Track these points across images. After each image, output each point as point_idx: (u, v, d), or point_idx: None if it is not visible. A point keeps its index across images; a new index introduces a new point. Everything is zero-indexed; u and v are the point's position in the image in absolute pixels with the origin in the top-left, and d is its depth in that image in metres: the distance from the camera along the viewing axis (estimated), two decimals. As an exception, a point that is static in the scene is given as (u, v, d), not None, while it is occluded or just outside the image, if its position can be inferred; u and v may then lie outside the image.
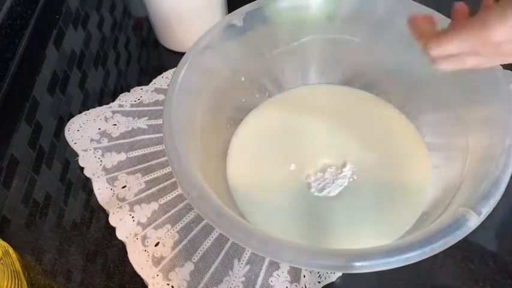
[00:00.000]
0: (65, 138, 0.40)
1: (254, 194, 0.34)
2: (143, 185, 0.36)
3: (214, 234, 0.33)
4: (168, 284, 0.31)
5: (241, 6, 0.33)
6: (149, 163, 0.37)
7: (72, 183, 0.37)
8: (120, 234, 0.33)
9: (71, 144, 0.39)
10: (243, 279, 0.31)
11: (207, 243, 0.33)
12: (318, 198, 0.33)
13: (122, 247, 0.33)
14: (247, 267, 0.31)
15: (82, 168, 0.37)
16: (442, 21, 0.31)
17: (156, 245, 0.33)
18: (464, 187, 0.27)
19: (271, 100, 0.40)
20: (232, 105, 0.37)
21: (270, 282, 0.31)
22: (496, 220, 0.33)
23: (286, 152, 0.36)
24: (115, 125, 0.40)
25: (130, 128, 0.40)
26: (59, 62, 0.46)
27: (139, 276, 0.31)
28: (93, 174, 0.37)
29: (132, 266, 0.32)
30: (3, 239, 0.32)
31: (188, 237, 0.33)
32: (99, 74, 0.45)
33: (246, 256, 0.32)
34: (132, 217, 0.34)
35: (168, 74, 0.44)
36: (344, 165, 0.34)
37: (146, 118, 0.40)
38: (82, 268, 0.32)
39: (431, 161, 0.34)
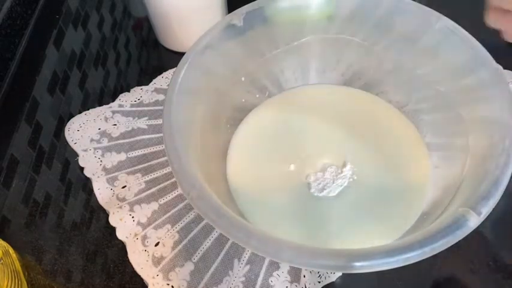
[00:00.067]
0: (65, 138, 0.40)
1: (254, 194, 0.34)
2: (143, 185, 0.36)
3: (214, 234, 0.33)
4: (168, 284, 0.31)
5: (241, 6, 0.33)
6: (149, 163, 0.37)
7: (72, 183, 0.37)
8: (120, 234, 0.33)
9: (71, 144, 0.39)
10: (243, 279, 0.31)
11: (207, 243, 0.33)
12: (318, 198, 0.33)
13: (122, 247, 0.33)
14: (247, 267, 0.31)
15: (82, 168, 0.37)
16: (439, 19, 0.31)
17: (156, 245, 0.33)
18: (464, 187, 0.27)
19: (271, 100, 0.40)
20: (232, 105, 0.37)
21: (270, 282, 0.31)
22: (496, 220, 0.33)
23: (286, 152, 0.36)
24: (115, 125, 0.40)
25: (130, 128, 0.40)
26: (59, 62, 0.46)
27: (140, 276, 0.31)
28: (93, 174, 0.37)
29: (132, 266, 0.32)
30: (3, 239, 0.32)
31: (188, 237, 0.33)
32: (99, 74, 0.45)
33: (246, 256, 0.32)
34: (132, 217, 0.34)
35: (168, 74, 0.44)
36: (344, 165, 0.34)
37: (146, 118, 0.40)
38: (82, 268, 0.32)
39: (431, 161, 0.34)
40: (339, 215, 0.32)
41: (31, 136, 0.40)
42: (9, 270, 0.29)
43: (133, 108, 0.41)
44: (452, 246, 0.22)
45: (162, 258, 0.32)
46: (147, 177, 0.36)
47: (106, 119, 0.40)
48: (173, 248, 0.32)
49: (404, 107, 0.37)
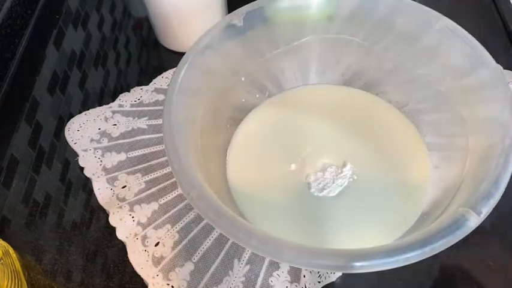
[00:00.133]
0: (65, 138, 0.40)
1: (254, 194, 0.34)
2: (143, 185, 0.36)
3: (214, 234, 0.33)
4: (168, 284, 0.31)
5: (241, 6, 0.33)
6: (149, 163, 0.37)
7: (72, 183, 0.37)
8: (120, 234, 0.33)
9: (71, 144, 0.39)
10: (243, 279, 0.31)
11: (207, 243, 0.33)
12: (318, 198, 0.33)
13: (122, 247, 0.33)
14: (247, 267, 0.31)
15: (82, 168, 0.37)
16: (439, 19, 0.31)
17: (156, 245, 0.33)
18: (464, 187, 0.27)
19: (271, 100, 0.40)
20: (232, 105, 0.37)
21: (270, 282, 0.31)
22: (496, 220, 0.33)
23: (286, 151, 0.36)
24: (115, 125, 0.40)
25: (130, 128, 0.40)
26: (59, 62, 0.46)
27: (140, 276, 0.31)
28: (93, 174, 0.37)
29: (132, 266, 0.32)
30: (3, 239, 0.32)
31: (188, 237, 0.33)
32: (99, 74, 0.45)
33: (246, 256, 0.32)
34: (132, 217, 0.34)
35: (168, 74, 0.44)
36: (344, 165, 0.34)
37: (146, 118, 0.40)
38: (82, 268, 0.32)
39: (431, 161, 0.34)
40: (338, 215, 0.32)
41: (31, 136, 0.40)
42: (9, 270, 0.29)
43: (133, 108, 0.41)
44: (452, 246, 0.22)
45: (162, 258, 0.32)
46: (147, 177, 0.36)
47: (106, 119, 0.40)
48: (173, 248, 0.32)
49: (404, 107, 0.37)
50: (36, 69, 0.45)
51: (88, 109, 0.42)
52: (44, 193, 0.37)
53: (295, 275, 0.31)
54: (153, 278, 0.31)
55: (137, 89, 0.43)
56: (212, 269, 0.31)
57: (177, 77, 0.29)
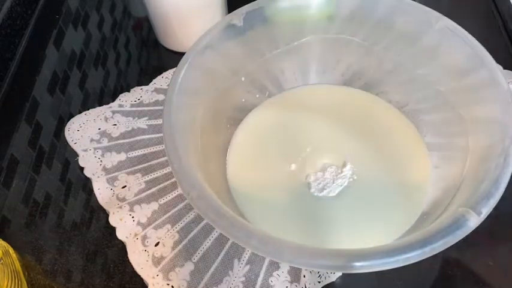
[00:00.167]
0: (65, 138, 0.40)
1: (254, 194, 0.34)
2: (143, 185, 0.36)
3: (214, 234, 0.33)
4: (168, 284, 0.31)
5: (241, 6, 0.33)
6: (149, 163, 0.37)
7: (72, 183, 0.37)
8: (120, 234, 0.33)
9: (71, 144, 0.39)
10: (243, 279, 0.31)
11: (207, 243, 0.33)
12: (318, 198, 0.33)
13: (122, 247, 0.33)
14: (247, 267, 0.31)
15: (82, 168, 0.37)
16: (439, 19, 0.31)
17: (156, 245, 0.33)
18: (464, 187, 0.27)
19: (271, 100, 0.40)
20: (232, 105, 0.37)
21: (270, 282, 0.31)
22: (496, 220, 0.33)
23: (286, 152, 0.36)
24: (115, 125, 0.40)
25: (130, 128, 0.40)
26: (59, 62, 0.46)
27: (140, 276, 0.31)
28: (93, 174, 0.37)
29: (132, 266, 0.32)
30: (3, 239, 0.32)
31: (188, 237, 0.33)
32: (99, 74, 0.45)
33: (246, 256, 0.32)
34: (132, 217, 0.34)
35: (168, 74, 0.44)
36: (344, 165, 0.34)
37: (146, 118, 0.40)
38: (82, 268, 0.32)
39: (431, 161, 0.34)
40: (338, 215, 0.32)
41: (31, 136, 0.40)
42: (9, 270, 0.29)
43: (133, 108, 0.41)
44: (452, 246, 0.22)
45: (162, 258, 0.32)
46: (147, 177, 0.36)
47: (106, 119, 0.41)
48: (173, 248, 0.32)
49: (404, 107, 0.37)
50: (36, 69, 0.45)
51: (88, 109, 0.42)
52: (44, 193, 0.37)
53: (295, 275, 0.31)
54: (153, 278, 0.31)
55: (137, 89, 0.43)
56: (212, 269, 0.31)
57: (177, 77, 0.29)
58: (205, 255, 0.32)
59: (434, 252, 0.22)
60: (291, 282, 0.31)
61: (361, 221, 0.32)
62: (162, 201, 0.35)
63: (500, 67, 0.29)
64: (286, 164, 0.35)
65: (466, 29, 0.30)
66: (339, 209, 0.33)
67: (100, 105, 0.42)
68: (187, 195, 0.25)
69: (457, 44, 0.30)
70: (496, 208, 0.23)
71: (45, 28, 0.49)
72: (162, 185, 0.36)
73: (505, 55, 0.43)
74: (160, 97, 0.42)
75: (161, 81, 0.43)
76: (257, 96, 0.39)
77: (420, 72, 0.34)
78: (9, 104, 0.43)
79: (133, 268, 0.32)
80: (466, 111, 0.30)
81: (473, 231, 0.23)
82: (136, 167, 0.37)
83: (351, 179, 0.34)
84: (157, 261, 0.32)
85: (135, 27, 0.51)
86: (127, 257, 0.32)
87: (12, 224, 0.35)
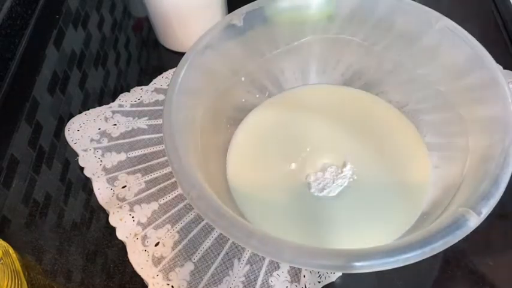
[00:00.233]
0: (65, 138, 0.40)
1: (254, 193, 0.34)
2: (143, 185, 0.36)
3: (214, 234, 0.33)
4: (168, 284, 0.31)
5: (241, 6, 0.33)
6: (149, 163, 0.37)
7: (72, 183, 0.37)
8: (120, 234, 0.33)
9: (71, 144, 0.39)
10: (243, 279, 0.31)
11: (207, 243, 0.33)
12: (318, 198, 0.33)
13: (122, 247, 0.33)
14: (247, 267, 0.31)
15: (82, 168, 0.37)
16: (439, 19, 0.31)
17: (156, 245, 0.33)
18: (464, 187, 0.27)
19: (271, 100, 0.40)
20: (232, 105, 0.37)
21: (270, 282, 0.31)
22: (497, 220, 0.33)
23: (286, 151, 0.36)
24: (115, 125, 0.40)
25: (130, 128, 0.40)
26: (59, 62, 0.46)
27: (140, 276, 0.31)
28: (93, 174, 0.37)
29: (132, 266, 0.32)
30: (3, 239, 0.32)
31: (188, 237, 0.33)
32: (99, 74, 0.45)
33: (246, 256, 0.32)
34: (132, 217, 0.34)
35: (168, 74, 0.44)
36: (344, 165, 0.34)
37: (146, 118, 0.40)
38: (82, 268, 0.32)
39: (431, 161, 0.34)
40: (338, 215, 0.32)
41: (31, 136, 0.40)
42: (9, 270, 0.29)
43: (133, 108, 0.41)
44: (452, 246, 0.22)
45: (162, 258, 0.32)
46: (147, 177, 0.36)
47: (106, 119, 0.40)
48: (173, 248, 0.32)
49: (404, 107, 0.37)
50: (36, 69, 0.45)
51: (88, 109, 0.42)
52: (44, 193, 0.37)
53: (295, 275, 0.31)
54: (153, 278, 0.31)
55: (137, 89, 0.43)
56: (212, 269, 0.31)
57: (177, 77, 0.29)
58: (205, 255, 0.32)
59: (434, 252, 0.22)
60: (291, 282, 0.31)
61: (361, 221, 0.32)
62: (162, 201, 0.35)
63: (500, 67, 0.29)
64: (286, 164, 0.35)
65: (466, 29, 0.30)
66: (339, 209, 0.33)
67: (100, 105, 0.42)
68: (187, 195, 0.25)
69: (457, 44, 0.30)
70: (496, 208, 0.23)
71: (45, 28, 0.49)
72: (162, 185, 0.36)
73: (505, 55, 0.43)
74: (160, 97, 0.42)
75: (161, 81, 0.43)
76: (257, 96, 0.39)
77: (420, 72, 0.34)
78: (9, 104, 0.43)
79: (133, 268, 0.32)
80: (466, 111, 0.30)
81: (473, 231, 0.23)
82: (136, 167, 0.37)
83: (351, 179, 0.34)
84: (157, 261, 0.32)
85: (135, 27, 0.51)
86: (127, 257, 0.32)
87: (12, 224, 0.35)
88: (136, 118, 0.40)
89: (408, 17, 0.33)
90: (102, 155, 0.38)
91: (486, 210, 0.23)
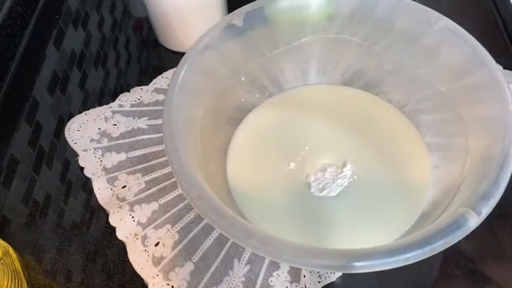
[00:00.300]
0: (65, 138, 0.40)
1: (254, 194, 0.34)
2: (143, 185, 0.36)
3: (214, 234, 0.33)
4: (168, 284, 0.31)
5: (241, 6, 0.33)
6: (149, 163, 0.37)
7: (72, 183, 0.37)
8: (120, 234, 0.33)
9: (71, 144, 0.39)
10: (243, 279, 0.31)
11: (207, 243, 0.33)
12: (318, 198, 0.33)
13: (122, 247, 0.33)
14: (247, 267, 0.31)
15: (82, 168, 0.37)
16: (439, 19, 0.31)
17: (156, 245, 0.33)
18: (464, 187, 0.27)
19: (271, 100, 0.40)
20: (232, 105, 0.37)
21: (270, 282, 0.31)
22: (497, 219, 0.33)
23: (286, 151, 0.36)
24: (115, 125, 0.40)
25: (130, 128, 0.40)
26: (59, 62, 0.46)
27: (140, 276, 0.31)
28: (93, 174, 0.37)
29: (132, 266, 0.32)
30: (3, 239, 0.32)
31: (188, 237, 0.33)
32: (99, 74, 0.45)
33: (246, 256, 0.32)
34: (132, 217, 0.34)
35: (168, 74, 0.44)
36: (344, 165, 0.34)
37: (146, 118, 0.40)
38: (82, 268, 0.32)
39: (431, 161, 0.34)
40: (339, 215, 0.32)
41: (31, 136, 0.40)
42: (9, 270, 0.29)
43: (133, 108, 0.41)
44: (452, 246, 0.22)
45: (162, 258, 0.32)
46: (147, 177, 0.36)
47: (106, 119, 0.41)
48: (173, 248, 0.32)
49: (404, 107, 0.37)
50: (36, 69, 0.45)
51: (88, 109, 0.42)
52: (44, 193, 0.37)
53: (295, 275, 0.31)
54: (153, 278, 0.31)
55: (137, 89, 0.43)
56: (212, 269, 0.31)
57: (177, 77, 0.29)
58: (205, 255, 0.32)
59: (434, 252, 0.22)
60: (291, 282, 0.31)
61: (361, 221, 0.32)
62: (162, 201, 0.35)
63: (500, 67, 0.29)
64: (286, 164, 0.35)
65: (466, 29, 0.30)
66: (339, 209, 0.33)
67: (100, 105, 0.42)
68: (187, 195, 0.25)
69: (457, 44, 0.30)
70: (496, 208, 0.23)
71: (45, 28, 0.49)
72: (162, 185, 0.36)
73: (505, 55, 0.43)
74: (160, 97, 0.42)
75: (161, 81, 0.43)
76: (257, 96, 0.39)
77: (420, 72, 0.34)
78: (9, 104, 0.43)
79: (133, 268, 0.32)
80: (466, 111, 0.30)
81: (473, 231, 0.23)
82: (136, 167, 0.37)
83: (351, 179, 0.34)
84: (157, 261, 0.32)
85: (135, 27, 0.51)
86: (127, 257, 0.32)
87: (12, 224, 0.35)
88: (136, 118, 0.40)
89: (408, 17, 0.33)
90: (102, 155, 0.38)
91: (486, 210, 0.23)
